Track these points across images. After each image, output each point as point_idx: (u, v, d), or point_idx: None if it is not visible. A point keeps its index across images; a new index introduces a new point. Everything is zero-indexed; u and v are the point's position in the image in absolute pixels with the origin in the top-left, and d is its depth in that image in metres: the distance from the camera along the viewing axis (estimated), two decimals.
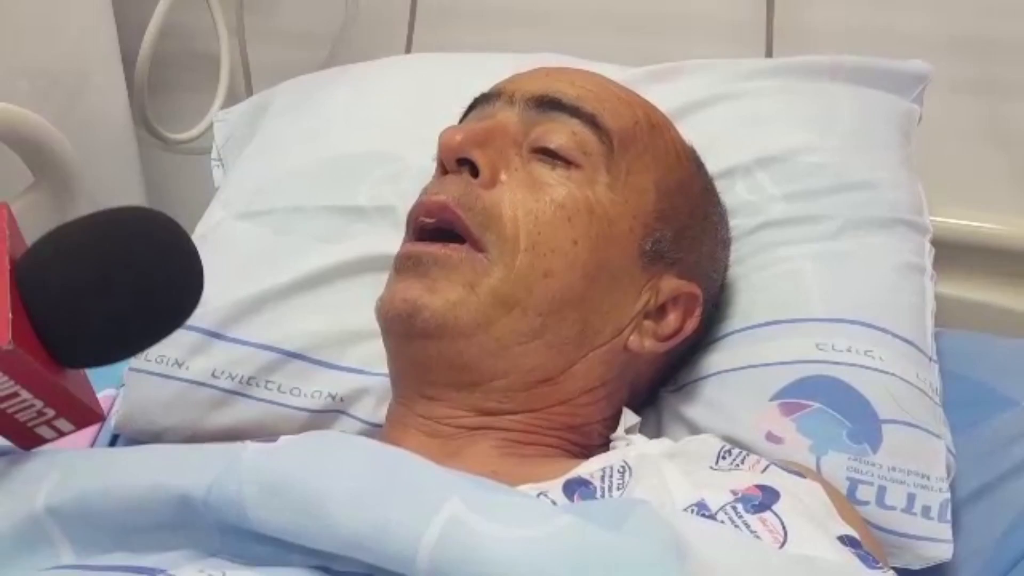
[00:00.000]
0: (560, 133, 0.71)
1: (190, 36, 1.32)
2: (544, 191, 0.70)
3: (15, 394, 0.52)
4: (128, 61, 1.19)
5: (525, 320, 0.68)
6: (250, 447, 0.52)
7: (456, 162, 0.71)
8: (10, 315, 0.51)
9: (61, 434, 0.56)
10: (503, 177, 0.71)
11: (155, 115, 1.21)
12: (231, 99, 1.26)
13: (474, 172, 0.70)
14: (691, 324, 0.75)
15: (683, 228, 0.75)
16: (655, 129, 0.76)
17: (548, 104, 0.73)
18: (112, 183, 1.17)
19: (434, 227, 0.70)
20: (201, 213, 0.96)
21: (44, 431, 0.55)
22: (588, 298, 0.70)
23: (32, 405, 0.54)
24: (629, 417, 0.74)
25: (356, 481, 0.49)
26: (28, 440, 0.55)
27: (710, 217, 0.80)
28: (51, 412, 0.55)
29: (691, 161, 0.80)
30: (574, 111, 0.72)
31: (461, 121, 0.79)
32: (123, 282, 0.54)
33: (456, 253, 0.68)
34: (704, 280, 0.77)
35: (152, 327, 0.57)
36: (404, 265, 0.70)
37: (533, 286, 0.68)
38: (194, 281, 0.57)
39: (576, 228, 0.69)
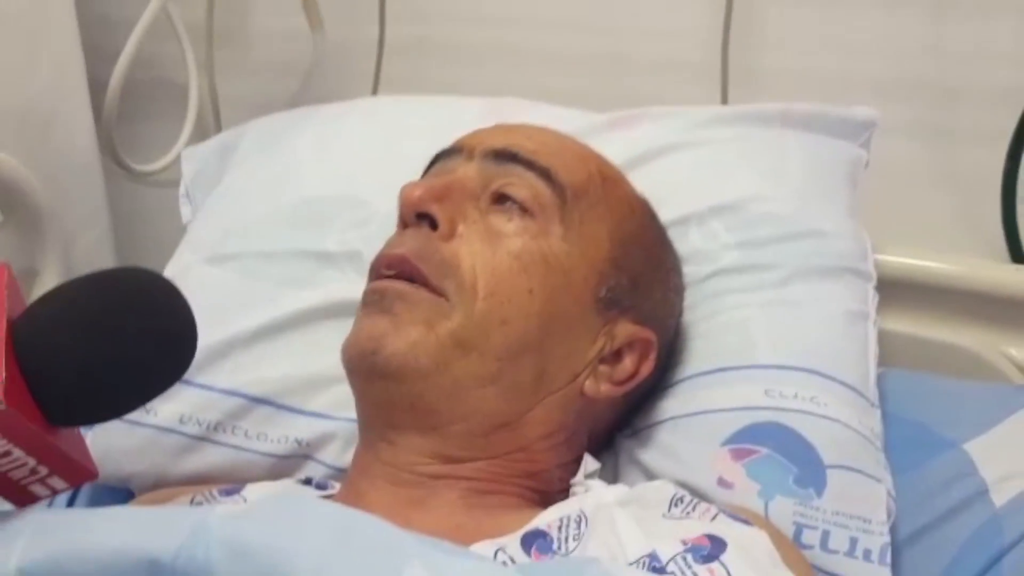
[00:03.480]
0: (517, 185, 0.74)
1: (159, 67, 1.33)
2: (501, 243, 0.73)
3: (8, 452, 0.54)
4: (95, 89, 1.20)
5: (482, 364, 0.71)
6: (217, 511, 0.54)
7: (415, 216, 0.73)
8: (4, 375, 0.52)
9: (54, 492, 0.57)
10: (461, 229, 0.73)
11: (122, 145, 1.22)
12: (199, 130, 1.27)
13: (433, 225, 0.73)
14: (646, 368, 0.77)
15: (637, 276, 0.78)
16: (608, 182, 0.79)
17: (505, 156, 0.76)
18: (79, 216, 1.17)
19: (395, 278, 0.72)
20: (167, 244, 0.98)
21: (37, 489, 0.57)
22: (544, 345, 0.73)
23: (25, 463, 0.55)
24: (590, 463, 0.76)
25: (321, 546, 0.51)
26: (22, 498, 0.57)
27: (664, 265, 0.83)
28: (44, 470, 0.56)
29: (644, 212, 0.83)
30: (529, 164, 0.75)
31: (423, 176, 0.81)
32: (118, 343, 0.56)
33: (419, 292, 0.71)
34: (659, 325, 0.80)
35: (145, 388, 0.59)
36: (370, 299, 0.73)
37: (491, 332, 0.71)
38: (188, 342, 0.59)
39: (532, 278, 0.72)
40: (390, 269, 0.72)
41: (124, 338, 0.56)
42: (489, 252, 0.72)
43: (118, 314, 0.57)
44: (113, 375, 0.56)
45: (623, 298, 0.76)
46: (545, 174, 0.75)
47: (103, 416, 0.58)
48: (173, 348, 0.59)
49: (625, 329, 0.76)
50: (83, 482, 0.59)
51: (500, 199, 0.74)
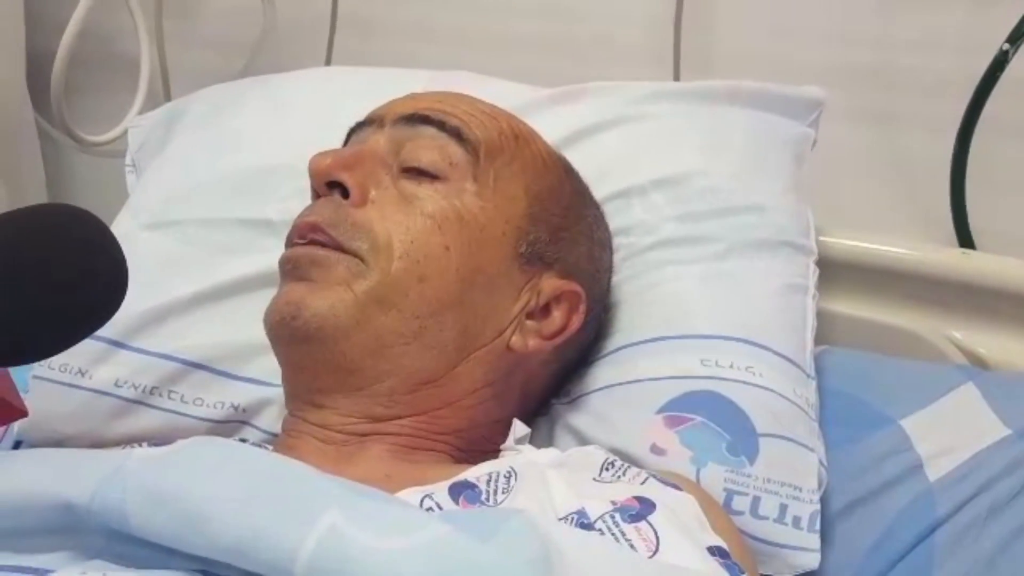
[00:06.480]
0: (428, 149, 0.75)
1: (110, 38, 1.32)
2: (414, 205, 0.73)
3: None
4: (40, 60, 1.19)
5: (403, 322, 0.71)
6: (136, 454, 0.54)
7: (326, 186, 0.74)
8: None
9: None
10: (373, 195, 0.74)
11: (73, 117, 1.21)
12: (150, 102, 1.26)
13: (345, 194, 0.73)
14: (576, 321, 0.78)
15: (557, 230, 0.79)
16: (520, 139, 0.80)
17: (416, 120, 0.77)
18: (12, 185, 1.15)
19: (308, 246, 0.73)
20: (114, 217, 0.97)
21: None
22: (465, 301, 0.73)
23: None
24: (519, 428, 0.76)
25: (238, 489, 0.51)
26: None
27: (585, 219, 0.83)
28: None
29: (559, 167, 0.83)
30: (440, 125, 0.76)
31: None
32: (44, 279, 0.55)
33: (333, 254, 0.72)
34: (586, 279, 0.80)
35: (75, 324, 0.57)
36: (285, 269, 0.74)
37: (408, 290, 0.71)
38: (119, 279, 0.58)
39: (447, 235, 0.73)
40: (302, 238, 0.73)
41: (50, 275, 0.55)
42: (402, 214, 0.73)
43: (44, 250, 0.55)
44: (39, 313, 0.55)
45: (545, 252, 0.77)
46: (456, 133, 0.76)
47: (31, 356, 0.57)
48: (102, 286, 0.57)
49: (551, 283, 0.77)
50: (12, 420, 0.59)
51: (411, 170, 0.75)
